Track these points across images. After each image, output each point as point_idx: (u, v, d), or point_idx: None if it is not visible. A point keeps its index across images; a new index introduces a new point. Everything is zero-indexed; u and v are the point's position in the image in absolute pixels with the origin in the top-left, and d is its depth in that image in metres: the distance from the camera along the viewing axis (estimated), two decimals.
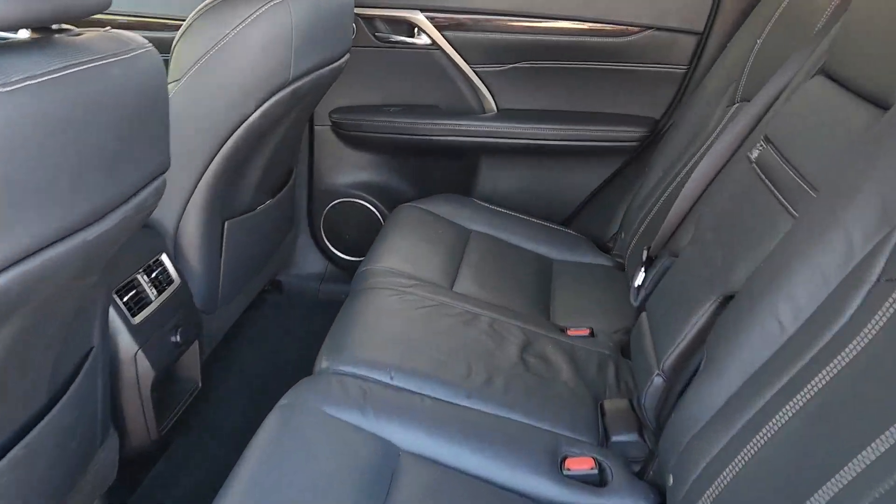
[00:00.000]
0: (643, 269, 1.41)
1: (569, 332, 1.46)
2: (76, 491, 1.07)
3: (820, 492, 0.68)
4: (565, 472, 1.08)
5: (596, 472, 1.09)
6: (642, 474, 1.14)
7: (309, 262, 2.20)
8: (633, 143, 1.95)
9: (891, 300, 0.73)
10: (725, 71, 1.66)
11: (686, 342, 1.11)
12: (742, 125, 1.31)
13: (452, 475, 1.05)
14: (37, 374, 0.91)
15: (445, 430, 1.11)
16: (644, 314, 1.32)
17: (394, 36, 1.95)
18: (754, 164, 1.16)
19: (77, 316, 0.98)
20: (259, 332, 1.97)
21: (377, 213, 2.13)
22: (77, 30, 0.82)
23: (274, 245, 1.91)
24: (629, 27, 1.85)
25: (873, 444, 0.65)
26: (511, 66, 1.94)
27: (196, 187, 1.39)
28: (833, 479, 0.68)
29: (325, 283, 2.20)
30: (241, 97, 1.35)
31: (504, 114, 1.99)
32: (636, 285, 1.42)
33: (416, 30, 1.93)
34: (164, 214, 1.40)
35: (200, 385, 1.51)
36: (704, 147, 1.56)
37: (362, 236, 2.13)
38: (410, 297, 1.42)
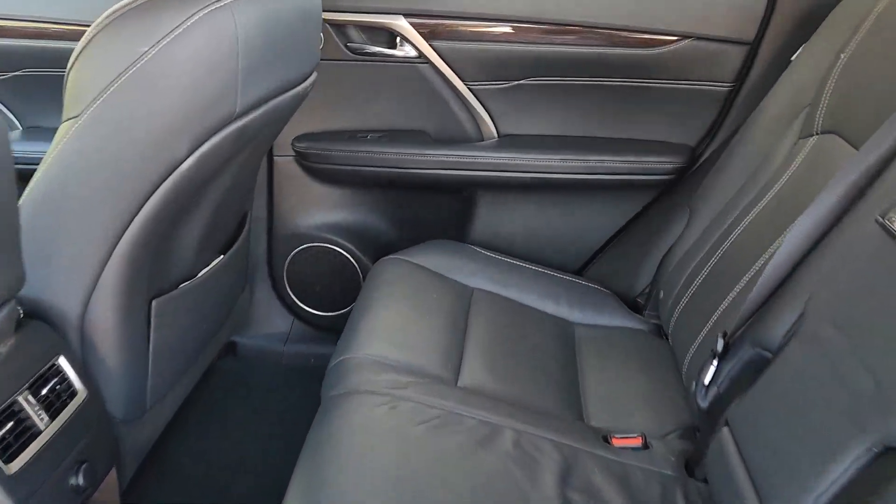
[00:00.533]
0: (715, 360, 1.07)
1: (614, 442, 1.11)
2: None
3: None
4: None
5: None
6: None
7: (270, 319, 1.83)
8: (665, 177, 1.61)
9: None
10: (791, 92, 1.32)
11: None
12: (854, 177, 0.97)
13: None
14: None
15: None
16: (727, 431, 0.97)
17: (370, 46, 1.59)
18: None
19: None
20: (206, 415, 1.58)
21: (352, 260, 1.76)
22: None
23: (227, 309, 1.53)
24: (663, 36, 1.50)
25: None
26: (515, 82, 1.59)
27: (107, 262, 1.00)
28: None
29: (291, 343, 1.83)
30: (167, 139, 0.97)
31: (506, 141, 1.64)
32: (706, 382, 1.08)
33: (397, 39, 1.57)
34: (63, 301, 1.01)
35: None
36: (773, 191, 1.22)
37: (334, 288, 1.79)
38: (406, 405, 1.05)
